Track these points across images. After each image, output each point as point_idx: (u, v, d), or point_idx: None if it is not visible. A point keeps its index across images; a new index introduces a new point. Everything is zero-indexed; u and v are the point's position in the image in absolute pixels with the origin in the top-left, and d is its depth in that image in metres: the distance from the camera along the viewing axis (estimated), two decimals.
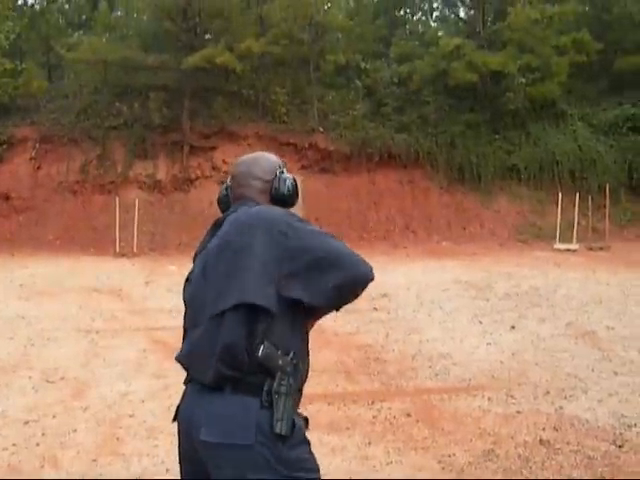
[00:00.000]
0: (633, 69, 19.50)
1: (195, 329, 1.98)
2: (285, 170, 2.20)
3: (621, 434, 4.31)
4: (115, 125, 19.23)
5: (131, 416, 4.79)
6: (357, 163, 19.61)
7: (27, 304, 9.24)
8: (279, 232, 1.91)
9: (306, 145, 19.67)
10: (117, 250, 16.20)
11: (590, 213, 17.56)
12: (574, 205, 17.13)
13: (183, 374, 2.06)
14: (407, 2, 25.00)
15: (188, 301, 2.08)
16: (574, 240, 16.48)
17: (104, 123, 19.18)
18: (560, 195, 17.35)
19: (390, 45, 21.65)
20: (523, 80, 18.66)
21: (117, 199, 17.17)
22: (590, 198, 17.72)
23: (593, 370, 5.80)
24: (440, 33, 22.55)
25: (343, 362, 6.21)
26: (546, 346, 6.66)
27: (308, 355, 2.06)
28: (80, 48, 18.80)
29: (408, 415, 4.71)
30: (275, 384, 1.84)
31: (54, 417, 4.77)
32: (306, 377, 2.04)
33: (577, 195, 17.39)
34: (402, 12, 25.41)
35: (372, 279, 1.96)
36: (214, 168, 19.14)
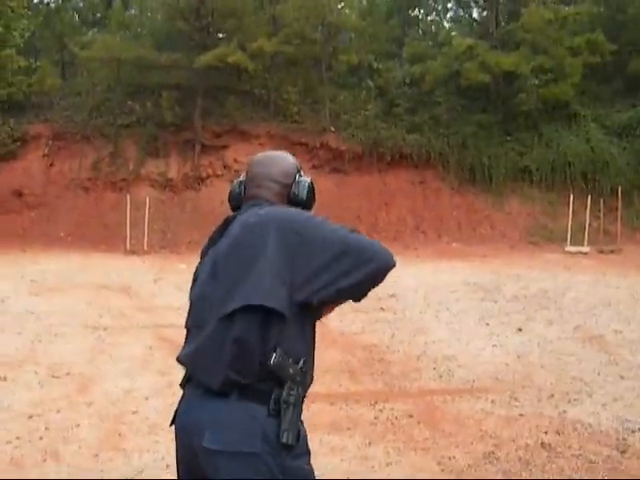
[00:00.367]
0: None
1: (201, 329, 1.90)
2: (302, 172, 2.12)
3: (624, 439, 4.28)
4: (127, 123, 19.39)
5: (134, 412, 4.81)
6: (368, 163, 19.63)
7: (37, 300, 9.31)
8: (293, 232, 1.84)
9: (317, 145, 19.72)
10: (128, 247, 16.30)
11: (602, 215, 17.44)
12: (586, 207, 17.02)
13: None
14: (421, 2, 24.94)
15: (195, 300, 2.00)
16: (585, 243, 16.39)
17: (117, 121, 19.33)
18: (572, 197, 17.23)
19: (403, 45, 21.63)
20: (536, 81, 18.58)
21: (128, 197, 17.28)
22: (602, 200, 17.61)
23: (599, 374, 5.76)
24: (453, 34, 22.47)
25: (347, 362, 6.21)
26: (552, 349, 6.63)
27: (314, 361, 2.00)
28: (94, 46, 18.96)
29: (410, 416, 4.70)
30: (284, 393, 1.78)
31: (58, 412, 4.81)
32: (311, 383, 1.97)
33: (589, 197, 17.27)
34: (416, 12, 25.37)
35: (394, 265, 1.87)
36: (225, 167, 19.21)
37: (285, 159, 2.13)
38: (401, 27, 22.68)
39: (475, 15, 24.20)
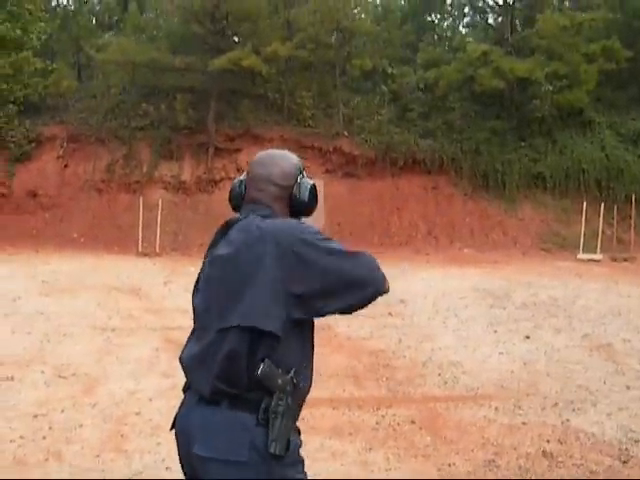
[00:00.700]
0: None
1: (202, 335, 1.94)
2: (305, 173, 2.09)
3: (627, 449, 4.26)
4: (142, 126, 19.48)
5: (137, 414, 4.84)
6: (381, 168, 19.59)
7: (47, 300, 9.38)
8: (292, 252, 1.83)
9: (331, 149, 19.73)
10: (140, 249, 16.36)
11: (615, 223, 17.32)
12: (599, 215, 16.90)
13: None
14: (437, 8, 24.90)
15: (196, 309, 2.03)
16: (598, 250, 16.27)
17: (131, 123, 19.44)
18: (585, 204, 17.12)
19: (417, 51, 21.58)
20: (550, 87, 18.47)
21: (141, 199, 17.36)
22: (616, 208, 17.48)
23: (605, 383, 5.73)
24: (470, 39, 22.38)
25: (353, 367, 6.21)
26: (559, 357, 6.60)
27: (312, 370, 2.01)
28: (109, 49, 19.05)
29: (412, 422, 4.70)
30: (273, 403, 1.79)
31: (62, 412, 4.85)
32: (307, 393, 1.99)
33: (602, 204, 17.15)
34: (431, 18, 25.33)
35: (386, 292, 1.94)
36: (239, 170, 19.23)
37: (287, 159, 2.09)
38: (416, 32, 22.60)
39: (491, 21, 24.15)
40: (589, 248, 16.42)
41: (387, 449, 4.21)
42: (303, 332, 1.93)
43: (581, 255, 16.07)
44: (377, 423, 4.68)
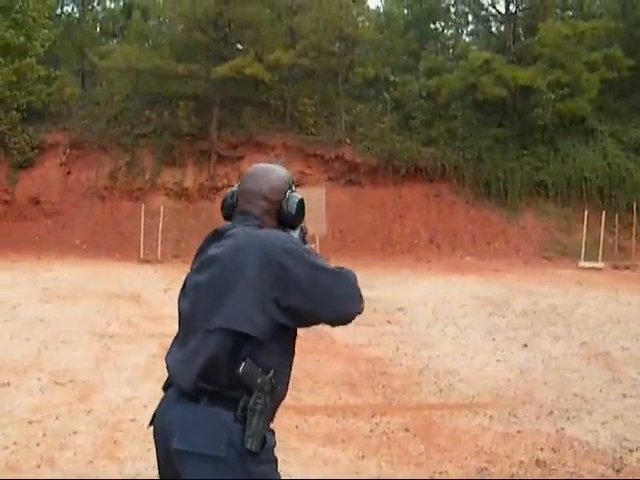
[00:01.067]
0: None
1: (187, 338, 2.00)
2: (294, 187, 2.17)
3: (621, 458, 4.24)
4: (144, 133, 19.58)
5: (132, 420, 4.84)
6: (383, 176, 19.64)
7: (47, 306, 9.40)
8: (277, 261, 1.89)
9: (333, 157, 19.79)
10: (141, 256, 16.40)
11: (617, 231, 17.29)
12: (601, 223, 16.88)
13: None
14: (440, 16, 24.96)
15: (183, 313, 2.09)
16: (600, 258, 16.24)
17: (134, 130, 19.53)
18: (586, 212, 17.11)
19: (420, 59, 21.64)
20: (552, 96, 18.49)
21: (143, 206, 17.40)
22: (617, 216, 17.46)
23: (601, 391, 5.71)
24: (474, 47, 22.41)
25: (349, 374, 6.21)
26: (557, 365, 6.58)
27: (289, 375, 2.07)
28: (113, 56, 19.19)
29: (406, 430, 4.69)
30: (251, 401, 1.85)
31: (57, 418, 4.85)
32: (284, 397, 2.05)
33: (604, 213, 17.13)
34: (435, 26, 25.36)
35: (359, 313, 2.02)
36: (241, 177, 19.21)
37: (277, 174, 2.16)
38: (418, 40, 22.67)
39: (493, 29, 24.20)
40: (591, 256, 16.41)
41: (380, 457, 4.20)
42: (284, 337, 1.98)
43: (582, 263, 16.05)
44: (371, 431, 4.67)
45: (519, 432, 4.69)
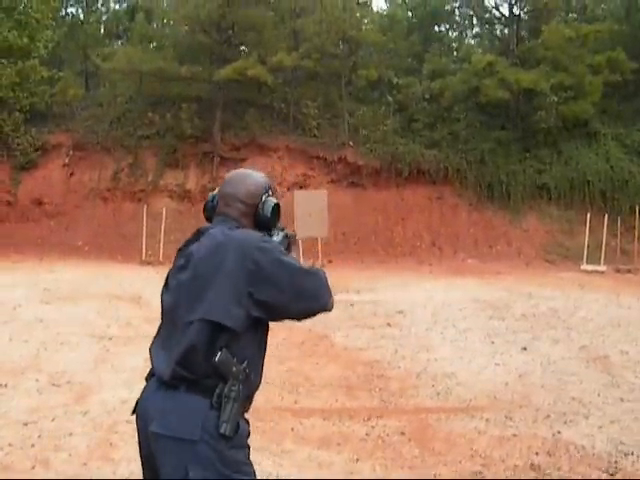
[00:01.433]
0: None
1: (169, 328, 2.13)
2: (271, 192, 2.29)
3: (616, 462, 4.23)
4: (147, 134, 19.60)
5: (128, 422, 4.80)
6: (386, 178, 19.61)
7: (47, 308, 9.41)
8: (252, 259, 2.04)
9: (336, 159, 19.77)
10: (143, 258, 16.42)
11: (619, 234, 17.24)
12: (603, 226, 16.83)
13: None
14: (444, 19, 24.94)
15: (165, 306, 2.21)
16: (602, 261, 16.20)
17: (137, 132, 19.56)
18: (589, 215, 17.07)
19: (423, 61, 21.61)
20: (555, 99, 18.44)
21: (145, 207, 17.43)
22: (620, 219, 17.41)
23: (599, 395, 5.69)
24: (479, 50, 22.38)
25: (347, 377, 6.20)
26: (555, 369, 6.56)
27: (262, 366, 2.21)
28: (116, 58, 19.22)
29: (402, 433, 4.69)
30: (226, 389, 1.98)
31: (53, 420, 4.86)
32: (257, 387, 2.18)
33: (607, 216, 17.08)
34: (438, 28, 25.34)
35: (329, 310, 2.20)
36: None
37: (253, 180, 2.31)
38: (422, 43, 22.64)
39: (497, 32, 24.15)
40: (593, 259, 16.36)
41: (374, 460, 4.20)
42: (258, 330, 2.13)
43: (585, 266, 16.00)
44: (367, 434, 4.67)
45: (515, 436, 4.69)
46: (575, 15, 22.84)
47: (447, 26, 25.59)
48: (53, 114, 20.13)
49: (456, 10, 24.82)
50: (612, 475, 4.01)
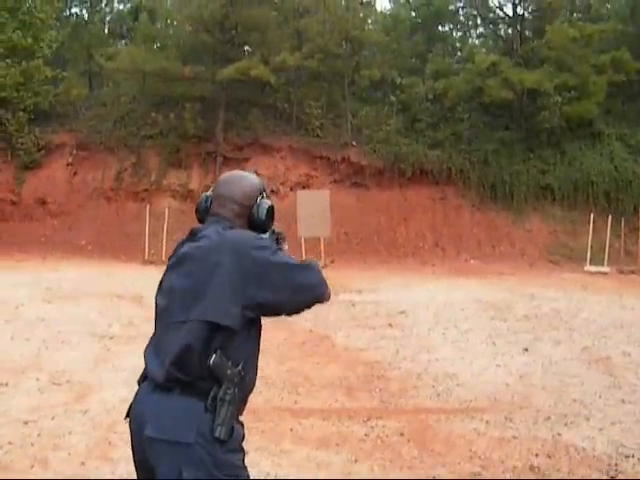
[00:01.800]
0: None
1: (163, 329, 2.11)
2: (265, 194, 2.29)
3: (616, 464, 4.20)
4: (151, 134, 19.65)
5: (127, 421, 4.83)
6: (389, 178, 19.60)
7: (49, 307, 9.42)
8: (248, 258, 2.04)
9: (339, 159, 19.78)
10: (146, 257, 16.43)
11: (623, 235, 17.19)
12: (607, 227, 16.78)
13: None
14: (447, 18, 24.91)
15: (159, 307, 2.19)
16: (605, 262, 16.15)
17: (140, 132, 19.61)
18: (593, 216, 17.02)
19: (427, 61, 21.59)
20: (559, 99, 18.41)
21: (148, 207, 17.45)
22: (624, 220, 17.36)
23: (600, 397, 5.66)
24: (483, 50, 22.33)
25: (347, 378, 6.18)
26: (556, 370, 6.53)
27: (257, 367, 2.19)
28: (120, 58, 19.26)
29: (401, 434, 4.67)
30: (221, 392, 1.96)
31: (53, 419, 4.86)
32: (252, 388, 2.16)
33: (610, 216, 17.03)
34: (442, 28, 25.30)
35: (327, 300, 2.18)
36: None
37: (248, 181, 2.30)
38: (425, 43, 22.61)
39: (501, 32, 24.10)
40: (597, 260, 16.32)
41: (373, 461, 4.18)
42: (252, 331, 2.12)
43: (588, 267, 15.97)
44: (366, 435, 4.65)
45: (515, 437, 4.67)
46: (579, 15, 22.80)
47: (451, 26, 25.57)
48: (57, 114, 20.18)
49: (460, 10, 24.81)
50: (612, 477, 3.98)
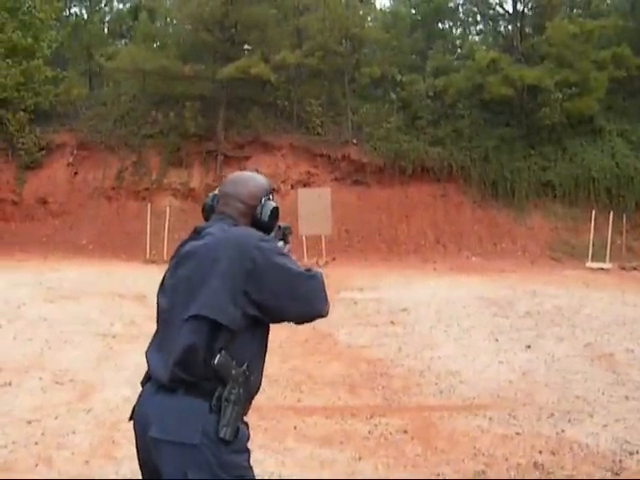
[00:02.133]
0: None
1: (165, 329, 2.10)
2: (272, 196, 2.29)
3: (620, 461, 4.19)
4: (151, 133, 19.65)
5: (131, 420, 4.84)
6: (390, 176, 19.58)
7: (51, 306, 9.42)
8: (249, 258, 2.02)
9: (339, 157, 19.76)
10: (147, 257, 16.43)
11: (625, 231, 17.18)
12: (609, 223, 16.76)
13: None
14: (447, 15, 24.88)
15: (161, 306, 2.18)
16: (607, 259, 16.14)
17: (140, 131, 19.61)
18: (594, 212, 17.00)
19: (427, 58, 21.56)
20: (560, 95, 18.37)
21: (149, 206, 17.45)
22: (625, 216, 17.34)
23: (604, 393, 5.66)
24: (483, 47, 22.28)
25: (350, 375, 6.19)
26: (559, 367, 6.53)
27: (263, 367, 2.17)
28: (120, 57, 19.25)
29: (404, 432, 4.67)
30: (226, 392, 1.95)
31: (56, 418, 4.86)
32: (258, 389, 2.15)
33: (612, 213, 17.01)
34: (442, 25, 25.26)
35: (324, 315, 2.15)
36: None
37: (255, 181, 2.30)
38: (425, 40, 22.58)
39: (501, 29, 24.09)
40: (598, 257, 16.30)
41: (377, 458, 4.18)
42: (257, 330, 2.10)
43: (590, 264, 15.94)
44: (369, 432, 4.65)
45: (518, 434, 4.66)
46: (579, 11, 22.73)
47: (451, 23, 25.53)
48: (57, 114, 20.18)
49: (460, 7, 24.80)
50: (617, 474, 3.98)
